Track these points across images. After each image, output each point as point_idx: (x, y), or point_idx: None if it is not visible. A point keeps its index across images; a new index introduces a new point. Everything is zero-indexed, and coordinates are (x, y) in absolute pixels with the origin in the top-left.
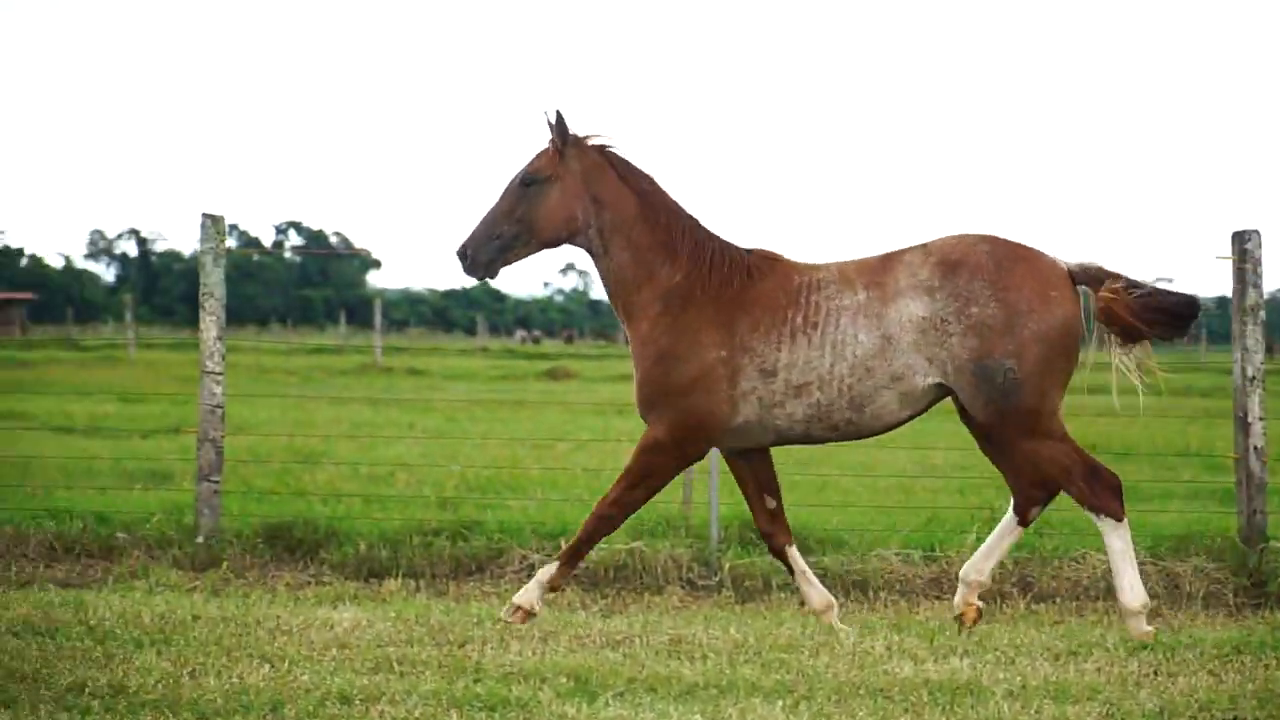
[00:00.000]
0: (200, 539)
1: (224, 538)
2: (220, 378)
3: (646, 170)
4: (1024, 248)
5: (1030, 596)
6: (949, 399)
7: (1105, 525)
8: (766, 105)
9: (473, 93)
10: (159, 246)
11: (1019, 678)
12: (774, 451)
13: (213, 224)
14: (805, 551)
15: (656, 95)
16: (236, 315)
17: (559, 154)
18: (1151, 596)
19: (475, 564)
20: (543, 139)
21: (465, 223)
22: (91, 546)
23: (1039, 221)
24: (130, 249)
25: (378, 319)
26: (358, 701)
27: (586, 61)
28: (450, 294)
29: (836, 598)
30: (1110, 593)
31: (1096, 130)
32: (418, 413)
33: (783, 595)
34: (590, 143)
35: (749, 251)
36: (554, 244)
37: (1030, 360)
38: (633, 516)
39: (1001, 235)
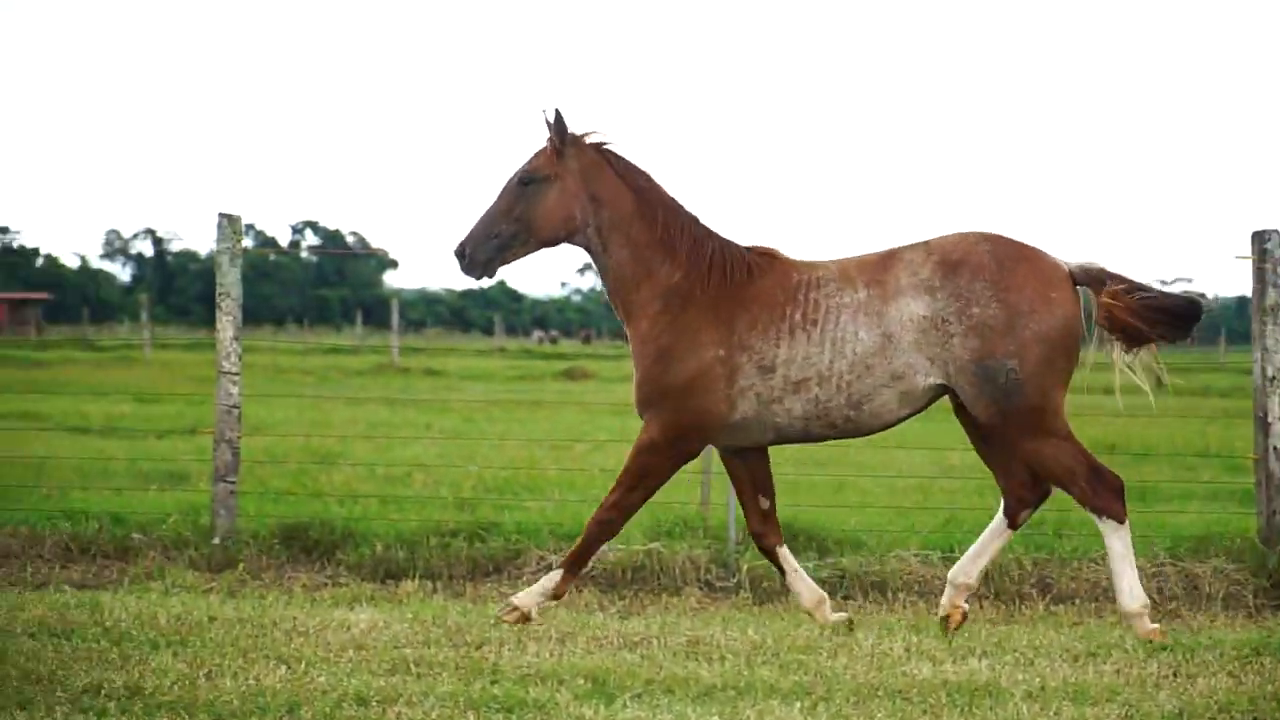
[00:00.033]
0: (216, 540)
1: (240, 539)
2: (237, 378)
3: (644, 168)
4: (1025, 247)
5: (1049, 598)
6: (945, 398)
7: (1106, 527)
8: (766, 102)
9: (490, 92)
10: (175, 246)
11: (1038, 679)
12: (791, 452)
13: (229, 223)
14: (823, 553)
15: (656, 93)
16: (253, 315)
17: (557, 153)
18: (1170, 598)
19: (493, 565)
20: (541, 138)
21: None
22: (107, 548)
23: (1058, 221)
24: (146, 249)
25: (394, 319)
26: (374, 703)
27: (588, 60)
28: (467, 294)
29: (855, 599)
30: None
31: (1116, 129)
32: (435, 413)
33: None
34: (588, 141)
35: (748, 249)
36: (552, 243)
37: (1032, 360)
38: (650, 518)
39: (1002, 233)
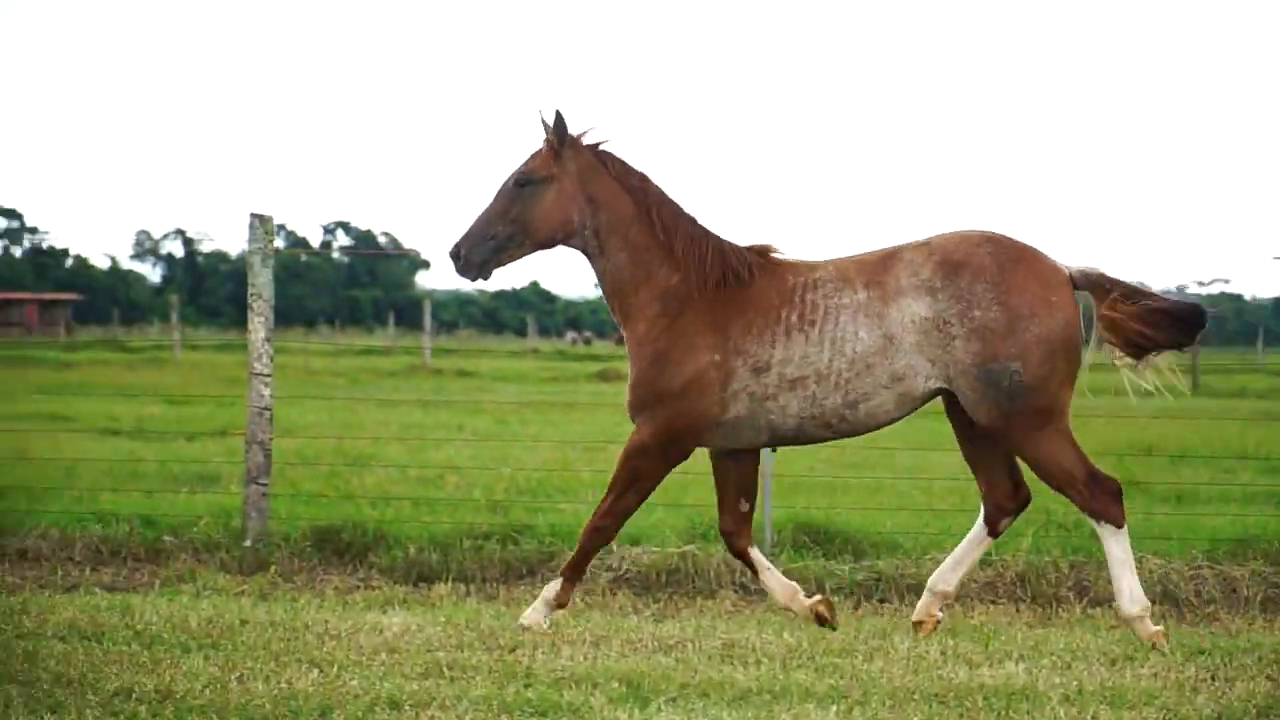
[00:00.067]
0: (248, 542)
1: (272, 541)
2: (268, 379)
3: (642, 169)
4: (1025, 249)
5: (1086, 601)
6: (935, 400)
7: (1105, 531)
8: (765, 101)
9: (523, 93)
10: (205, 247)
11: (1075, 683)
12: (826, 454)
13: (261, 224)
14: (859, 555)
15: (654, 92)
16: (284, 316)
17: (555, 154)
18: (1208, 601)
19: (526, 568)
20: (538, 139)
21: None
22: (138, 550)
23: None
24: (176, 249)
25: (427, 320)
26: (407, 707)
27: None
28: (500, 295)
29: (890, 601)
30: (1166, 596)
31: (1153, 130)
32: (467, 415)
33: (836, 599)
34: (585, 142)
35: (746, 248)
36: (549, 245)
37: (1035, 362)
38: (685, 520)
39: (1002, 233)
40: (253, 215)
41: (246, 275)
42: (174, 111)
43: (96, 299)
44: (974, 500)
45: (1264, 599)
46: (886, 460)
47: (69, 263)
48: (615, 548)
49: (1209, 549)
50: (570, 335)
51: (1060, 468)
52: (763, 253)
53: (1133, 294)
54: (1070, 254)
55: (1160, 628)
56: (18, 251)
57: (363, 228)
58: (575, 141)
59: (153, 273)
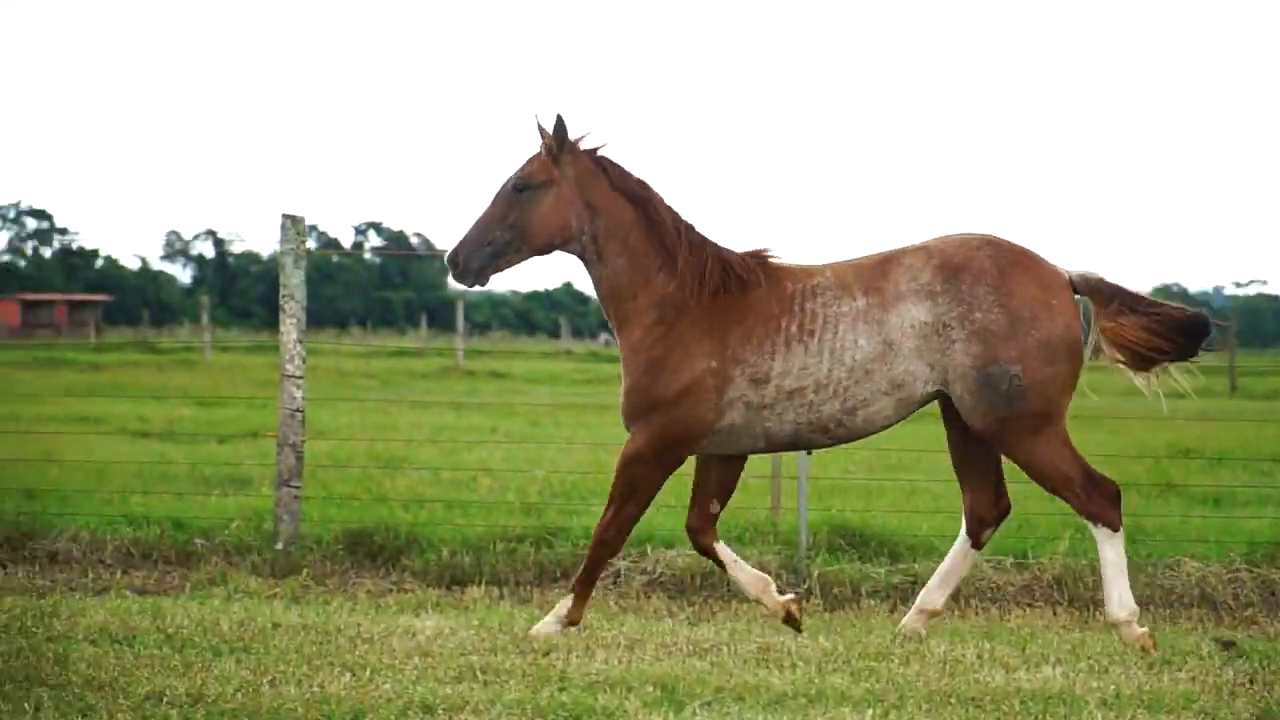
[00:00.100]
0: (280, 545)
1: (304, 544)
2: (300, 381)
3: (641, 174)
4: (1025, 252)
5: None
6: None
7: (1100, 534)
8: (763, 104)
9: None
10: (236, 247)
11: (1112, 686)
12: (862, 457)
13: (293, 225)
14: (895, 559)
15: (651, 94)
16: (315, 318)
17: (553, 159)
18: (1246, 604)
19: (560, 571)
20: (535, 143)
21: None
22: (169, 553)
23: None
24: (207, 250)
25: (459, 321)
26: (441, 711)
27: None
28: (533, 296)
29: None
30: (1203, 599)
31: (1192, 130)
32: (501, 417)
33: (872, 602)
34: (583, 147)
35: (743, 254)
36: (546, 250)
37: (1035, 366)
38: (721, 523)
39: (1001, 236)
40: (285, 216)
41: (278, 276)
42: (205, 111)
43: (126, 300)
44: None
45: None
46: (923, 463)
47: (99, 263)
48: (650, 551)
49: (1247, 552)
50: (604, 337)
51: (1057, 471)
52: (759, 258)
53: (1134, 303)
54: (1103, 256)
55: (1145, 630)
56: (47, 252)
57: (395, 228)
58: (574, 146)
59: (183, 274)
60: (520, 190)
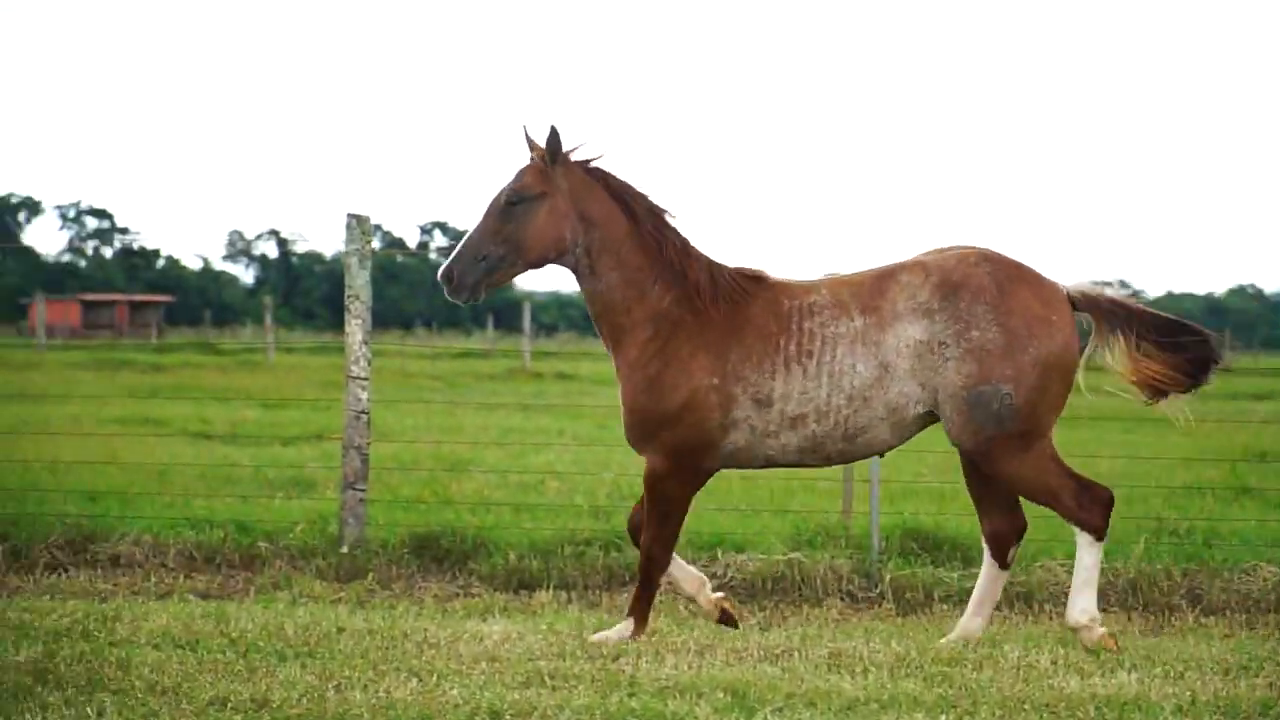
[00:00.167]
0: (345, 549)
1: (369, 548)
2: (366, 383)
3: (635, 186)
4: (1024, 268)
5: (1199, 609)
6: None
7: (1083, 540)
8: (760, 110)
9: (623, 94)
10: (299, 247)
11: (1188, 693)
12: (934, 460)
13: (358, 224)
14: (968, 563)
15: (648, 102)
16: (380, 318)
17: (545, 171)
18: None
19: (629, 574)
20: (525, 156)
21: None
22: (233, 556)
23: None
24: (270, 250)
25: (526, 322)
26: (508, 716)
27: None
28: None
29: (1000, 609)
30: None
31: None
32: (568, 419)
33: (945, 607)
34: (575, 158)
35: (735, 270)
36: (540, 264)
37: (1027, 386)
38: (791, 527)
39: (997, 250)
40: (350, 215)
41: (342, 276)
42: (269, 109)
43: (188, 300)
44: None
45: None
46: None
47: (160, 263)
48: (720, 555)
49: None
50: None
51: (1045, 486)
52: (754, 277)
53: (1143, 328)
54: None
55: (1105, 629)
56: (108, 252)
57: (460, 228)
58: (566, 158)
59: (246, 274)
60: (514, 203)
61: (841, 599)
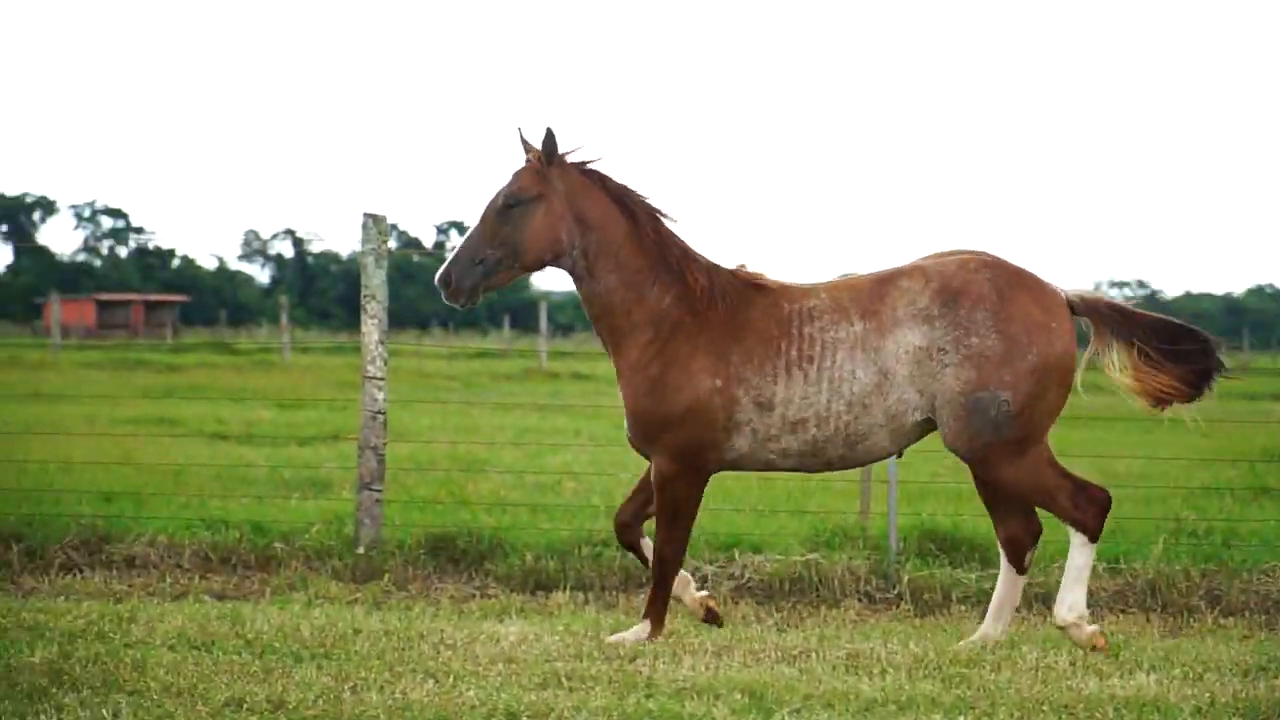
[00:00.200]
0: (361, 550)
1: (386, 548)
2: (382, 383)
3: (632, 187)
4: (1025, 274)
5: (1218, 610)
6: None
7: (1076, 540)
8: (756, 112)
9: (646, 95)
10: (315, 247)
11: (1207, 694)
12: (953, 460)
13: (374, 224)
14: (986, 564)
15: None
16: (396, 318)
17: (541, 173)
18: None
19: (646, 575)
20: (520, 158)
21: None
22: (248, 557)
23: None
24: (286, 249)
25: (543, 322)
26: (525, 718)
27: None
28: None
29: (1019, 610)
30: None
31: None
32: (584, 419)
33: (963, 608)
34: (571, 160)
35: (734, 273)
36: (538, 267)
37: (1025, 393)
38: (809, 527)
39: (996, 255)
40: (366, 215)
41: (358, 276)
42: (284, 109)
43: (203, 300)
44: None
45: None
46: None
47: (175, 263)
48: (737, 556)
49: None
50: None
51: (1039, 489)
52: (753, 280)
53: (1145, 334)
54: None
55: (1096, 627)
56: (123, 252)
57: None
58: (562, 160)
59: (261, 273)
60: (511, 206)
61: (859, 600)
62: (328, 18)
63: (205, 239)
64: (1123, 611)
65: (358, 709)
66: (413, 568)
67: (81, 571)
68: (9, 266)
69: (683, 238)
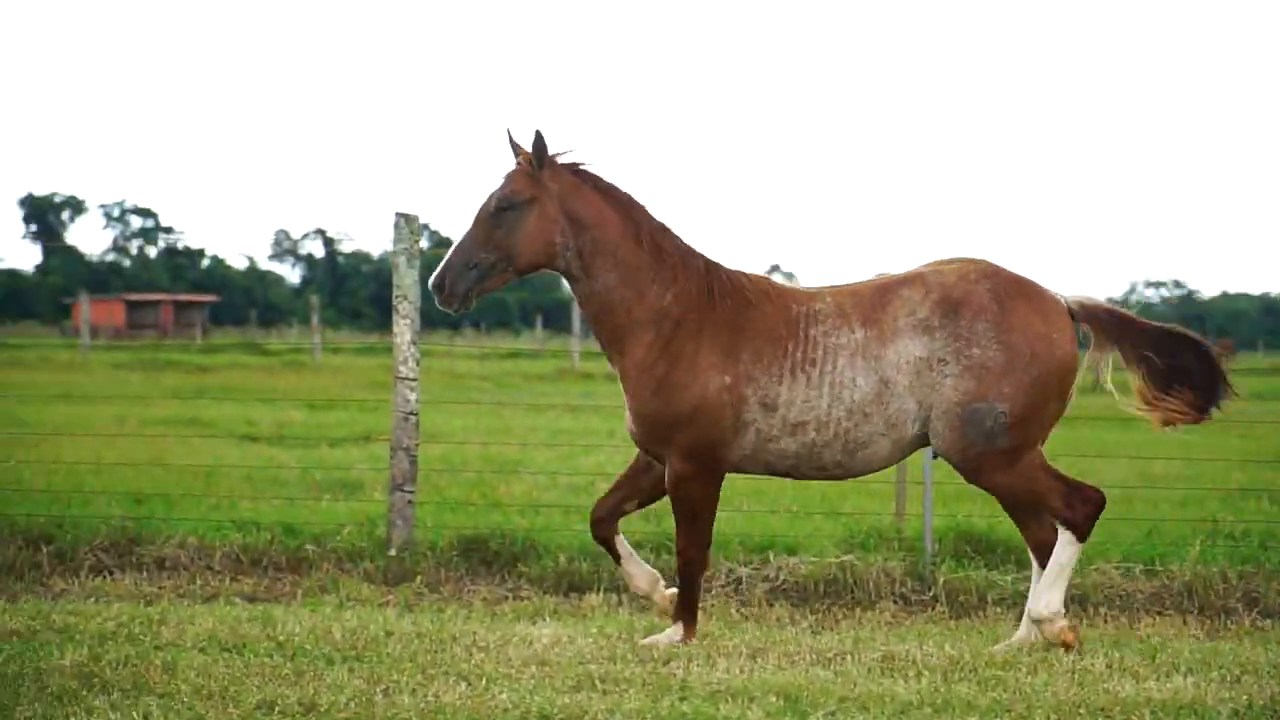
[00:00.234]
0: (393, 551)
1: (418, 550)
2: (414, 384)
3: (625, 186)
4: (1025, 282)
5: (1256, 612)
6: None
7: (1065, 538)
8: (755, 114)
9: (672, 95)
10: (346, 247)
11: (1245, 697)
12: None
13: (406, 223)
14: (1020, 566)
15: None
16: (428, 318)
17: (534, 175)
18: None
19: (673, 579)
20: (511, 161)
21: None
22: (279, 559)
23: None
24: (316, 249)
25: (575, 322)
26: None
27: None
28: None
29: None
30: None
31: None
32: (618, 420)
33: (998, 610)
34: (562, 161)
35: (736, 273)
36: (531, 269)
37: (1023, 404)
38: (844, 529)
39: (997, 264)
40: (398, 215)
41: (389, 276)
42: (316, 108)
43: (234, 300)
44: (1141, 508)
45: None
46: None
47: (205, 263)
48: (772, 558)
49: None
50: None
51: (1030, 493)
52: (756, 281)
53: (1143, 344)
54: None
55: (1066, 623)
56: (153, 252)
57: None
58: (553, 161)
59: (292, 273)
60: (504, 209)
61: (894, 602)
62: (361, 16)
63: (235, 238)
64: (1159, 613)
65: (390, 712)
66: (445, 569)
67: (112, 573)
68: (38, 266)
69: (680, 236)
